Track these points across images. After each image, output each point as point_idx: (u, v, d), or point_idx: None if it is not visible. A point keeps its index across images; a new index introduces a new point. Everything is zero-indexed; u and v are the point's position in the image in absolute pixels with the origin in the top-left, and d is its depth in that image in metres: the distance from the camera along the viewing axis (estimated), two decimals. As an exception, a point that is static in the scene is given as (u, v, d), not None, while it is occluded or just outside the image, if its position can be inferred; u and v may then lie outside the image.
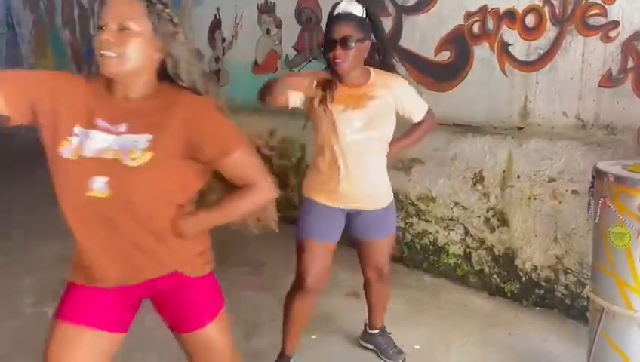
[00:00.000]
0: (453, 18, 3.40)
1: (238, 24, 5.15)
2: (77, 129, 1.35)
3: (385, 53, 2.22)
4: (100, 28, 1.30)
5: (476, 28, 3.30)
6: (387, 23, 3.77)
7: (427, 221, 3.55)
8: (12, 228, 4.56)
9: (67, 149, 1.33)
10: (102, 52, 1.30)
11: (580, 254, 2.83)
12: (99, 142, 1.34)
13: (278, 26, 4.70)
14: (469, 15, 3.32)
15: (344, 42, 1.98)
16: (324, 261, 2.21)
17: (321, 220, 2.18)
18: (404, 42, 3.69)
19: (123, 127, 1.35)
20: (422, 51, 3.60)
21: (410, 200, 3.62)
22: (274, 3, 4.71)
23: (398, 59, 3.69)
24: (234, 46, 5.25)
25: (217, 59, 5.47)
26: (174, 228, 1.42)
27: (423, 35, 3.59)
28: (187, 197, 1.46)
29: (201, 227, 1.48)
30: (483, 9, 3.24)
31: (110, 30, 1.29)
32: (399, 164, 3.64)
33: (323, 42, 2.07)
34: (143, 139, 1.34)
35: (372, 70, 2.14)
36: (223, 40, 5.35)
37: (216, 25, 5.41)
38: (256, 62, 4.99)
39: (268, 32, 4.81)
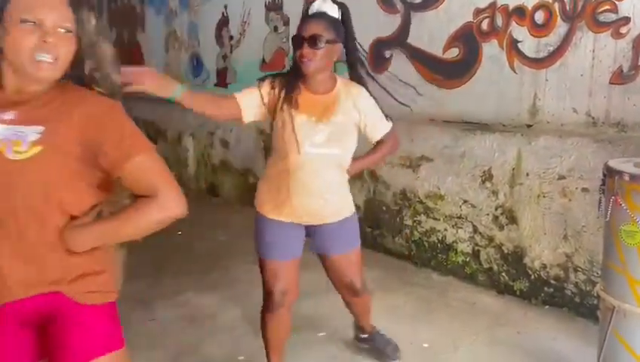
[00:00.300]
0: (461, 15, 3.38)
1: (245, 22, 5.15)
2: None
3: (354, 64, 2.08)
4: (32, 23, 1.18)
5: (485, 25, 3.28)
6: (395, 20, 3.76)
7: (435, 219, 3.54)
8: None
9: None
10: (50, 55, 1.19)
11: (590, 252, 2.81)
12: None
13: (286, 23, 4.70)
14: (478, 12, 3.30)
15: (313, 41, 1.87)
16: (291, 276, 2.10)
17: (278, 238, 2.05)
18: (413, 39, 3.68)
19: (10, 115, 1.19)
20: (430, 48, 3.59)
21: (419, 198, 3.61)
22: (281, 0, 4.70)
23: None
24: (241, 44, 5.25)
25: (225, 57, 5.48)
26: (61, 241, 1.21)
27: (431, 32, 3.58)
28: (81, 208, 1.24)
29: (90, 241, 1.24)
30: (492, 5, 3.23)
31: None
32: (407, 162, 3.63)
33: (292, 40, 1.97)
34: (32, 131, 1.17)
35: (338, 78, 2.04)
36: (231, 38, 5.36)
37: (223, 22, 5.42)
38: (263, 60, 4.99)
39: (275, 29, 4.81)
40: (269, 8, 4.83)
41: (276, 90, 1.98)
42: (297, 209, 2.01)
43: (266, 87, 2.01)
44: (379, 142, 2.19)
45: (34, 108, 1.21)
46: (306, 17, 1.96)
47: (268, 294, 2.09)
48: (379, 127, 2.14)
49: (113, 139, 1.21)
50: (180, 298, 3.15)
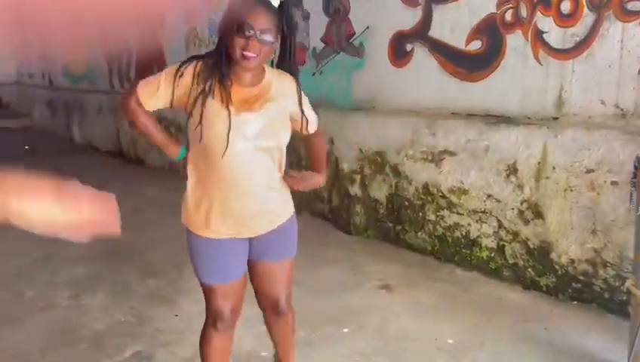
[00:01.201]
0: (484, 6, 3.33)
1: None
2: None
3: (293, 57, 1.83)
4: None
5: (509, 16, 3.22)
6: (416, 13, 3.72)
7: (459, 214, 3.50)
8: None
9: None
10: None
11: (619, 247, 2.74)
12: None
13: (306, 18, 4.68)
14: (501, 2, 3.24)
15: (263, 33, 1.61)
16: (237, 297, 1.88)
17: (216, 260, 1.81)
18: (434, 32, 3.64)
19: None
20: (452, 41, 3.54)
21: (442, 192, 3.57)
22: (301, -5, 4.69)
23: (429, 48, 3.65)
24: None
25: (245, 54, 5.49)
26: None
27: (453, 24, 3.53)
28: None
29: None
30: (516, -4, 3.17)
31: None
32: (430, 156, 3.59)
33: (227, 26, 1.66)
34: None
35: (266, 67, 1.78)
36: (251, 34, 5.35)
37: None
38: (283, 56, 4.98)
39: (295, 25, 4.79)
40: (288, 4, 4.82)
41: (197, 80, 1.69)
42: (235, 218, 1.77)
43: (187, 75, 1.71)
44: (310, 136, 1.97)
45: None
46: (253, 3, 1.65)
47: (216, 314, 1.86)
48: (312, 119, 1.93)
49: None
50: (199, 294, 3.17)
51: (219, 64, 1.68)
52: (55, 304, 3.09)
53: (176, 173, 7.59)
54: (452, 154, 3.48)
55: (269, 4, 1.67)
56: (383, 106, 4.04)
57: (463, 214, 3.48)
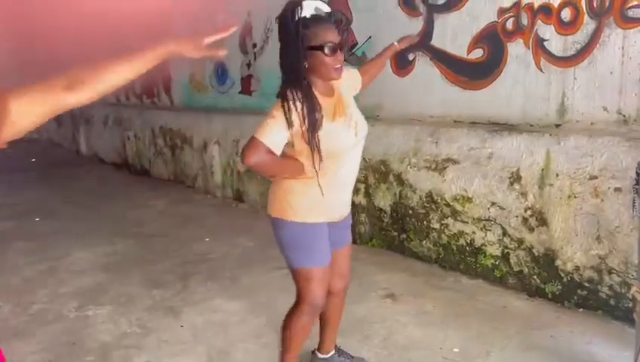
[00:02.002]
0: (485, 15, 3.35)
1: (268, 29, 5.19)
2: None
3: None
4: None
5: (510, 24, 3.24)
6: (418, 23, 3.75)
7: (463, 222, 3.50)
8: (49, 235, 4.72)
9: None
10: None
11: (624, 253, 2.74)
12: None
13: (309, 29, 4.71)
14: (502, 11, 3.27)
15: (342, 47, 1.84)
16: (328, 281, 2.10)
17: (320, 243, 2.03)
18: (436, 41, 3.66)
19: None
20: (454, 50, 3.56)
21: (446, 200, 3.57)
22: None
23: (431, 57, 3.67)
24: (265, 51, 5.30)
25: (249, 65, 5.54)
26: None
27: (454, 33, 3.55)
28: None
29: None
30: (517, 4, 3.18)
31: None
32: (433, 164, 3.60)
33: (300, 50, 1.81)
34: None
35: None
36: (254, 45, 5.40)
37: (247, 31, 5.47)
38: (287, 67, 5.02)
39: (298, 35, 4.83)
40: (291, 15, 4.86)
41: (299, 109, 1.83)
42: (333, 205, 2.03)
43: (293, 116, 1.83)
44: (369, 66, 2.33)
45: None
46: (322, 21, 1.82)
47: (310, 302, 2.04)
48: (356, 71, 2.20)
49: None
50: (208, 304, 3.18)
51: (306, 88, 1.85)
52: (62, 316, 3.11)
53: (181, 186, 7.62)
54: (455, 162, 3.49)
55: (328, 18, 1.87)
56: (386, 115, 4.05)
57: (467, 222, 3.48)
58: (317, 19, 1.81)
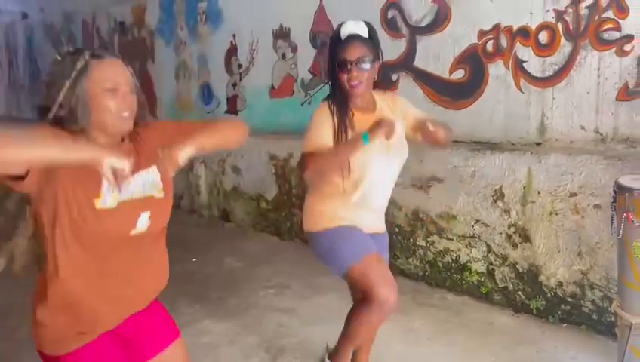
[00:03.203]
0: (466, 37, 3.45)
1: (254, 50, 5.26)
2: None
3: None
4: (114, 90, 1.39)
5: (490, 46, 3.34)
6: (401, 44, 3.84)
7: (449, 239, 3.55)
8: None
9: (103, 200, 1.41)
10: (130, 109, 1.43)
11: (605, 268, 2.80)
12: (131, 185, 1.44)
13: (294, 50, 4.79)
14: (482, 33, 3.36)
15: (359, 63, 1.93)
16: (386, 270, 2.03)
17: (358, 235, 2.05)
18: (419, 62, 3.74)
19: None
20: (436, 71, 3.65)
21: (431, 218, 3.63)
22: (289, 28, 4.80)
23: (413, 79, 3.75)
24: (250, 71, 5.35)
25: (235, 85, 5.58)
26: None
27: (437, 54, 3.64)
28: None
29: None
30: (496, 27, 3.28)
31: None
32: (418, 182, 3.65)
33: (331, 65, 1.99)
34: (151, 176, 1.50)
35: (373, 93, 2.10)
36: (240, 66, 5.46)
37: (232, 51, 5.53)
38: (272, 87, 5.09)
39: (283, 56, 4.91)
40: (276, 36, 4.94)
41: (334, 118, 1.98)
42: (369, 226, 2.11)
43: (330, 114, 1.99)
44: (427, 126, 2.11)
45: (136, 154, 1.47)
46: (345, 41, 1.96)
47: (378, 295, 1.92)
48: (421, 115, 2.18)
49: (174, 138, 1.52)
50: (196, 326, 3.17)
51: (341, 102, 1.99)
52: None
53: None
54: (440, 180, 3.55)
55: (358, 35, 1.97)
56: (371, 135, 4.11)
57: (452, 239, 3.53)
58: (348, 38, 1.97)
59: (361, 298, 2.01)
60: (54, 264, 1.40)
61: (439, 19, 3.58)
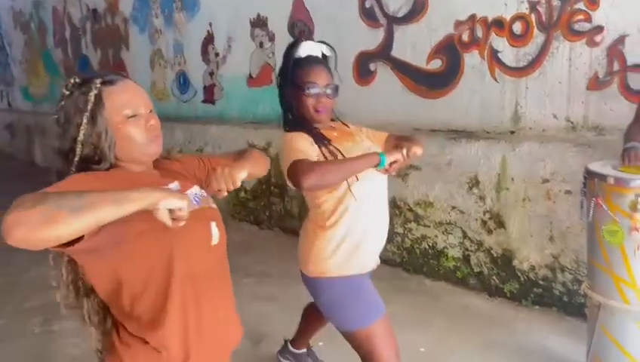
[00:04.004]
0: (443, 27, 3.50)
1: (231, 38, 5.23)
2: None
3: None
4: (135, 116, 1.26)
5: (466, 36, 3.40)
6: (379, 34, 3.87)
7: (426, 226, 3.62)
8: (11, 252, 4.59)
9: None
10: (156, 134, 1.30)
11: (575, 252, 2.91)
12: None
13: (271, 39, 4.79)
14: (458, 24, 3.42)
15: (328, 89, 1.79)
16: (392, 331, 1.87)
17: (370, 293, 1.86)
18: (396, 52, 3.79)
19: (177, 185, 1.34)
20: (414, 60, 3.69)
21: (409, 205, 3.69)
22: (266, 17, 4.79)
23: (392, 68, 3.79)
24: (227, 60, 5.33)
25: (211, 74, 5.55)
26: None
27: (414, 44, 3.68)
28: None
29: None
30: (472, 18, 3.34)
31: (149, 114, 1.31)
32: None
33: (291, 88, 1.80)
34: (198, 190, 1.39)
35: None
36: (217, 54, 5.43)
37: (209, 40, 5.49)
38: (250, 76, 5.07)
39: (261, 45, 4.89)
40: (253, 25, 4.92)
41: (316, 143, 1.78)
42: (374, 250, 1.89)
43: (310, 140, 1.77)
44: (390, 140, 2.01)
45: (178, 177, 1.37)
46: (307, 62, 1.81)
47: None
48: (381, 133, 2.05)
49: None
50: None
51: (309, 128, 1.80)
52: (26, 331, 3.05)
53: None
54: (417, 168, 3.61)
55: (321, 60, 1.84)
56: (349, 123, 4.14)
57: (429, 226, 3.60)
58: (309, 60, 1.81)
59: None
60: (154, 318, 1.22)
61: (416, 9, 3.62)
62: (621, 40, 2.78)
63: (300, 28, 4.49)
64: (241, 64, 5.12)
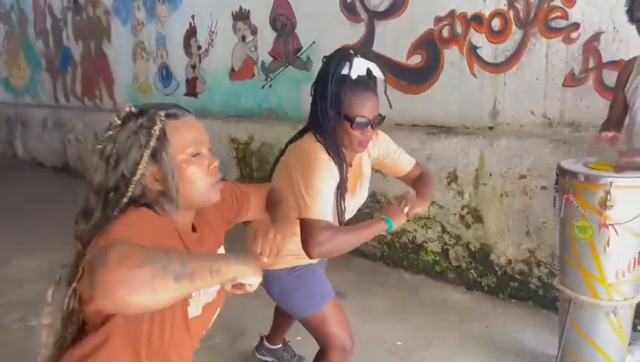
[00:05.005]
0: (423, 23, 3.51)
1: (213, 32, 5.19)
2: None
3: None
4: (198, 154, 1.14)
5: (445, 32, 3.41)
6: (360, 29, 3.87)
7: (405, 220, 3.64)
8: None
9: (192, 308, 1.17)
10: (218, 179, 1.18)
11: (550, 247, 2.95)
12: None
13: (254, 32, 4.76)
14: (438, 20, 3.43)
15: (375, 122, 1.67)
16: (343, 313, 1.91)
17: (319, 278, 1.90)
18: (377, 47, 3.79)
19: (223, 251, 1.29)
20: (394, 55, 3.70)
21: (389, 200, 3.71)
22: (248, 10, 4.76)
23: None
24: (210, 53, 5.29)
25: (194, 67, 5.51)
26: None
27: (395, 39, 3.69)
28: None
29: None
30: (451, 14, 3.36)
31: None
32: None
33: (338, 113, 1.64)
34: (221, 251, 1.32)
35: None
36: (199, 47, 5.39)
37: (191, 32, 5.45)
38: (232, 69, 5.05)
39: (243, 38, 4.87)
40: (236, 18, 4.89)
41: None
42: None
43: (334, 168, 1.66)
44: (414, 178, 2.07)
45: (206, 235, 1.28)
46: (358, 86, 1.64)
47: (339, 347, 1.82)
48: (407, 157, 2.04)
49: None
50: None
51: (340, 156, 1.67)
52: (4, 327, 3.03)
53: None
54: (397, 163, 3.63)
55: (373, 86, 1.69)
56: (330, 118, 4.15)
57: (409, 220, 3.61)
58: (361, 83, 1.64)
59: (320, 351, 1.90)
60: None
61: (397, 4, 3.62)
62: (597, 37, 2.82)
63: (282, 22, 4.47)
64: (223, 57, 5.10)
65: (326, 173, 1.61)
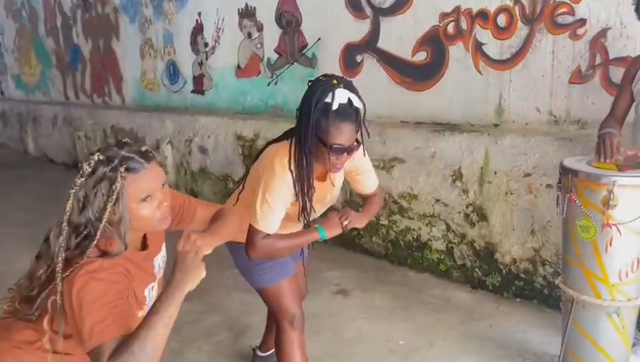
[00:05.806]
0: (428, 19, 3.48)
1: (219, 29, 5.20)
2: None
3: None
4: (149, 196, 1.37)
5: (451, 28, 3.38)
6: (365, 25, 3.85)
7: (410, 218, 3.63)
8: None
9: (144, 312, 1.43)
10: (168, 213, 1.45)
11: (555, 246, 2.92)
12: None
13: (260, 29, 4.76)
14: (443, 16, 3.40)
15: (351, 149, 1.75)
16: (299, 288, 2.12)
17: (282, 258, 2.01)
18: (382, 44, 3.77)
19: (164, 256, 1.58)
20: (399, 52, 3.68)
21: (393, 198, 3.70)
22: (254, 7, 4.76)
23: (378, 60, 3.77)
24: (216, 50, 5.30)
25: (200, 64, 5.52)
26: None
27: (399, 36, 3.67)
28: None
29: None
30: (456, 10, 3.32)
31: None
32: (381, 163, 3.71)
33: (312, 137, 1.72)
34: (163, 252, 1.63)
35: None
36: (206, 45, 5.40)
37: (198, 30, 5.46)
38: (239, 66, 5.05)
39: (249, 35, 4.87)
40: (242, 15, 4.89)
41: (295, 188, 1.81)
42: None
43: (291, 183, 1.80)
44: (368, 196, 2.15)
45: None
46: (338, 115, 1.69)
47: (288, 316, 2.01)
48: (372, 180, 2.11)
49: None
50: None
51: (307, 172, 1.78)
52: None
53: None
54: (401, 161, 3.61)
55: (354, 115, 1.73)
56: (336, 115, 4.14)
57: (413, 218, 3.61)
58: (342, 113, 1.70)
59: (275, 324, 2.11)
60: None
61: (402, 1, 3.60)
62: (603, 33, 2.77)
63: (288, 19, 4.46)
64: (229, 54, 5.10)
65: (283, 193, 1.79)
